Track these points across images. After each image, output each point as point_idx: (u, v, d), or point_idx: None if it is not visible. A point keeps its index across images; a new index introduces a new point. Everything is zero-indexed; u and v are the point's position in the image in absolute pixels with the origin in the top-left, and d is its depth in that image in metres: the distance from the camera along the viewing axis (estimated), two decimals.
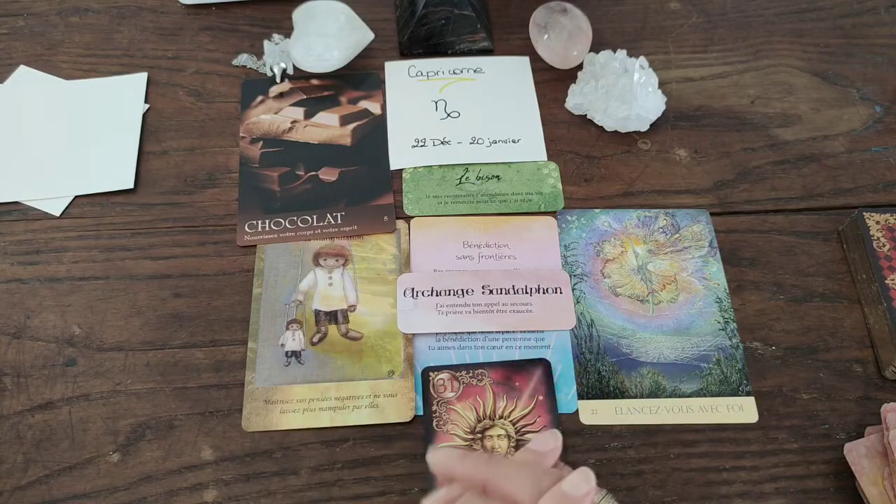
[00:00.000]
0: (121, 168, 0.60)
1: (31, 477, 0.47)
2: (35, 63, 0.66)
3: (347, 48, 0.63)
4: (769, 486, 0.48)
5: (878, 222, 0.56)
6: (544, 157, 0.62)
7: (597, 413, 0.50)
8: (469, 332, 0.53)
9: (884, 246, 0.55)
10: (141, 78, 0.65)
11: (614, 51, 0.63)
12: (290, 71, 0.65)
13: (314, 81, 0.65)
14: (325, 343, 0.53)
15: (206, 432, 0.49)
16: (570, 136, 0.63)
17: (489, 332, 0.53)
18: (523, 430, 0.49)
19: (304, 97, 0.64)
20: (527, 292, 0.54)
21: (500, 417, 0.50)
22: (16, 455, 0.48)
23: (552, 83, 0.66)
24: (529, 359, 0.52)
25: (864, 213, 0.56)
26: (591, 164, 0.61)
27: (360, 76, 0.66)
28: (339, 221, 0.57)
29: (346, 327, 0.53)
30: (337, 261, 0.56)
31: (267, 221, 0.57)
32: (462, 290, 0.54)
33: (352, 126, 0.63)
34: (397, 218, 0.58)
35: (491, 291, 0.54)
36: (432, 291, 0.54)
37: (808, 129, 0.64)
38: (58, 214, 0.58)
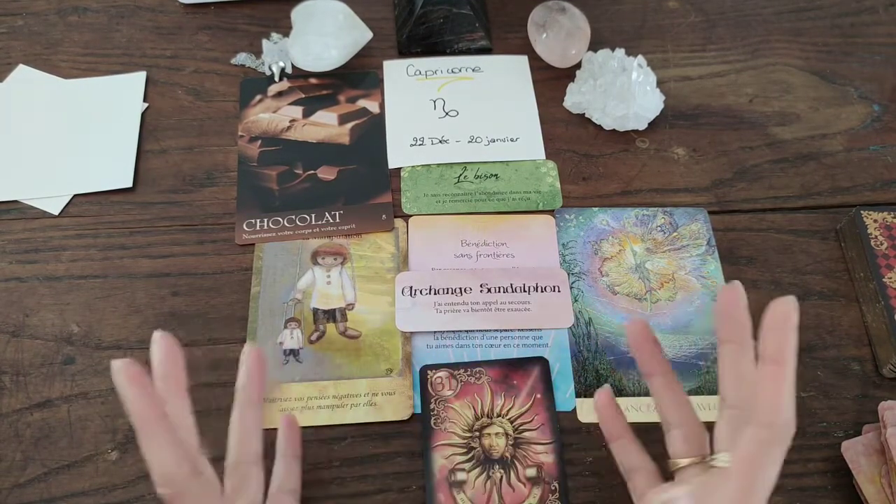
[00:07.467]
0: (119, 167, 0.60)
1: (30, 475, 0.47)
2: (34, 62, 0.66)
3: (346, 47, 0.64)
4: None
5: (875, 221, 0.56)
6: (542, 155, 0.62)
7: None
8: (467, 331, 0.53)
9: (881, 244, 0.55)
10: (140, 77, 0.65)
11: (613, 50, 0.63)
12: (289, 70, 0.65)
13: (313, 80, 0.65)
14: (323, 341, 0.53)
15: (204, 430, 0.49)
16: (568, 135, 0.63)
17: (487, 331, 0.53)
18: (521, 428, 0.49)
19: (303, 96, 0.64)
20: (525, 291, 0.54)
21: (499, 415, 0.50)
22: (14, 453, 0.48)
23: (550, 82, 0.66)
24: (527, 357, 0.52)
25: (862, 212, 0.56)
26: (590, 163, 0.61)
27: (359, 75, 0.66)
28: (338, 220, 0.58)
29: (344, 326, 0.53)
30: (335, 259, 0.56)
31: (265, 220, 0.57)
32: (460, 289, 0.54)
33: (350, 125, 0.63)
34: (395, 216, 0.58)
35: (489, 290, 0.54)
36: (430, 290, 0.54)
37: (806, 128, 0.64)
38: (56, 213, 0.58)
